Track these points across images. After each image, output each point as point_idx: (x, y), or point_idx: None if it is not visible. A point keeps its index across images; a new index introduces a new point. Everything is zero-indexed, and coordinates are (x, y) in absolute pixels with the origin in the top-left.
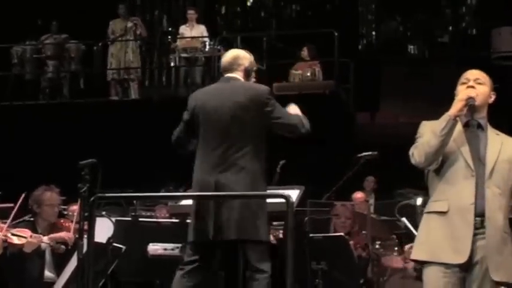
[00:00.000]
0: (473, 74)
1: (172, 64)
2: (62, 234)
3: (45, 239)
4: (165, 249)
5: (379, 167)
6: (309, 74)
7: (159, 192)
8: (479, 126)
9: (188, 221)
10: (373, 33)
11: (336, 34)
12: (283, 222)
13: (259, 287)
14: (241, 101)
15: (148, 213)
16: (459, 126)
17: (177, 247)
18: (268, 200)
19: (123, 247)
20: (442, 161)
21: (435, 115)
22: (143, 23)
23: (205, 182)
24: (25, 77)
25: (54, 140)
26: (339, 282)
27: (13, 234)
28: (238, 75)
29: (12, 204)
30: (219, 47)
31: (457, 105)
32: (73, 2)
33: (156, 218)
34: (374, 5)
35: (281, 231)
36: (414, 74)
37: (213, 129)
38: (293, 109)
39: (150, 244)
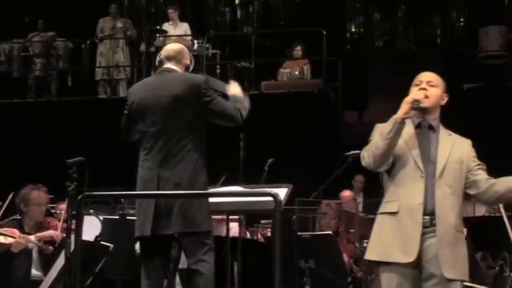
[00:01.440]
0: (426, 76)
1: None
2: (50, 232)
3: (32, 238)
4: None
5: None
6: (297, 73)
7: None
8: (431, 127)
9: None
10: (361, 31)
11: (324, 32)
12: (271, 221)
13: (203, 279)
14: (178, 93)
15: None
16: (411, 128)
17: None
18: (256, 199)
19: (111, 245)
20: (393, 162)
21: None
22: (133, 22)
23: (148, 177)
24: (12, 74)
25: (42, 138)
26: (326, 280)
27: (1, 234)
28: (178, 68)
29: None
30: (207, 45)
31: (403, 108)
32: (60, 0)
33: None
34: (361, 3)
35: (269, 230)
36: (402, 73)
37: (152, 123)
38: (233, 89)
39: (138, 242)
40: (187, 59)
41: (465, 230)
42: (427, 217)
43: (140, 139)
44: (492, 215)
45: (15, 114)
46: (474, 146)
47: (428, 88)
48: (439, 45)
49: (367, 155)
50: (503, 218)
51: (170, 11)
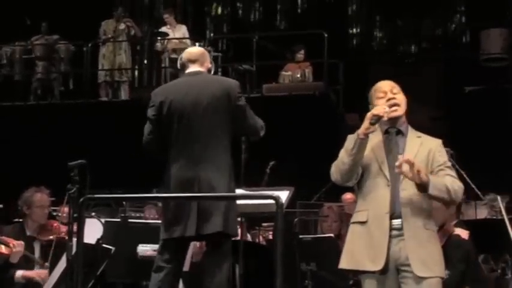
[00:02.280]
0: (387, 85)
1: (162, 65)
2: (33, 273)
3: (18, 274)
4: (155, 250)
5: None
6: (298, 75)
7: (149, 193)
8: (399, 132)
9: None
10: (362, 34)
11: (326, 35)
12: (272, 224)
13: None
14: (215, 94)
15: (138, 214)
16: (379, 136)
17: None
18: (258, 201)
19: (113, 248)
20: (362, 172)
21: (424, 116)
22: (136, 23)
23: (184, 178)
24: (14, 77)
25: (44, 141)
26: (328, 283)
27: (1, 243)
28: (203, 69)
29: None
30: (209, 48)
31: (364, 124)
32: (63, 3)
33: (145, 218)
34: (363, 6)
35: (271, 233)
36: (403, 76)
37: (188, 124)
38: None
39: (140, 245)
40: (209, 62)
41: (467, 232)
42: (397, 221)
43: (172, 139)
44: (494, 218)
45: (17, 117)
46: (476, 148)
47: (395, 96)
48: (441, 47)
49: (335, 171)
50: (505, 220)
51: (166, 15)
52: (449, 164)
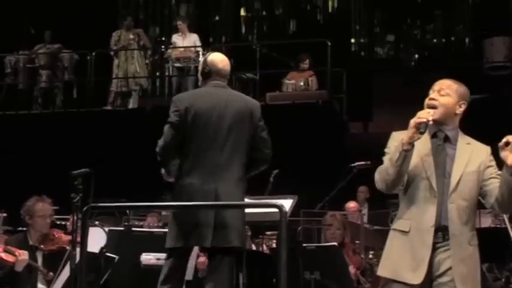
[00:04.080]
0: (439, 85)
1: (166, 74)
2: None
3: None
4: (158, 259)
5: (372, 177)
6: (302, 84)
7: (154, 201)
8: (447, 138)
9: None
10: (366, 42)
11: (329, 44)
12: (276, 232)
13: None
14: (242, 110)
15: (141, 223)
16: (427, 141)
17: None
18: (261, 210)
19: (116, 257)
20: (407, 180)
21: None
22: (146, 34)
23: (203, 188)
24: (18, 86)
25: (47, 150)
26: None
27: (6, 251)
28: (226, 83)
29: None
30: None
31: (408, 133)
32: (66, 12)
33: (148, 226)
34: (366, 15)
35: (274, 241)
36: (407, 84)
37: (212, 135)
38: None
39: (143, 254)
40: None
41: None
42: (441, 233)
43: (191, 147)
44: (498, 226)
45: (21, 126)
46: None
47: (437, 98)
48: (444, 56)
49: (380, 180)
50: (508, 229)
51: (179, 22)
52: (499, 172)
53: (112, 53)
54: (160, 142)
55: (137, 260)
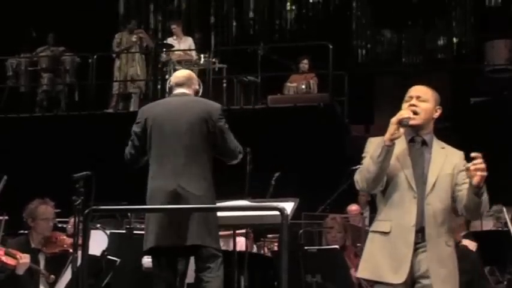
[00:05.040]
0: (416, 91)
1: (166, 76)
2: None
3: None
4: None
5: None
6: (303, 87)
7: None
8: (424, 142)
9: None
10: (367, 45)
11: (331, 47)
12: (277, 235)
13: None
14: (198, 114)
15: (143, 226)
16: (404, 145)
17: None
18: (263, 213)
19: (118, 260)
20: (386, 182)
21: None
22: (148, 35)
23: (165, 187)
24: (20, 89)
25: (49, 153)
26: None
27: (8, 254)
28: (190, 92)
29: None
30: (213, 60)
31: (389, 130)
32: (68, 15)
33: None
34: (368, 17)
35: (276, 244)
36: (409, 87)
37: (170, 141)
38: None
39: (145, 257)
40: (196, 84)
41: (475, 244)
42: (419, 233)
43: (153, 154)
44: (500, 229)
45: (22, 129)
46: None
47: (418, 104)
48: (446, 59)
49: (360, 179)
50: (510, 232)
51: (173, 26)
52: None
53: (114, 55)
54: (126, 150)
55: (139, 263)
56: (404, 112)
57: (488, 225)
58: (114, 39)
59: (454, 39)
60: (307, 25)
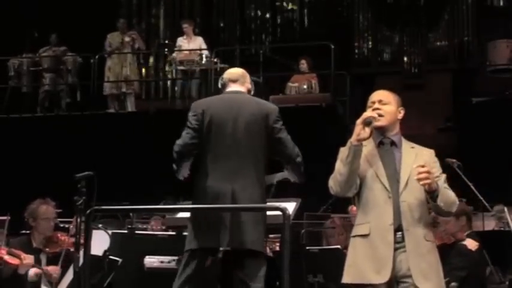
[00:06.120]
0: (377, 96)
1: (169, 76)
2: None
3: (31, 272)
4: (162, 262)
5: None
6: (305, 87)
7: (156, 204)
8: (393, 143)
9: (186, 232)
10: (369, 45)
11: (332, 47)
12: (279, 235)
13: None
14: (256, 114)
15: (145, 226)
16: (373, 147)
17: (174, 260)
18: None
19: (120, 260)
20: (360, 185)
21: (431, 127)
22: (140, 36)
23: (220, 190)
24: (22, 89)
25: (50, 153)
26: None
27: (10, 254)
28: (243, 89)
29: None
30: (215, 60)
31: (355, 130)
32: (70, 15)
33: (152, 230)
34: (369, 17)
35: (278, 244)
36: (410, 87)
37: (227, 139)
38: None
39: (147, 257)
40: (249, 83)
41: (476, 244)
42: (398, 233)
43: (207, 150)
44: (502, 229)
45: (24, 129)
46: (483, 159)
47: (381, 107)
48: (447, 59)
49: (334, 183)
50: None
51: (185, 25)
52: (443, 175)
53: (106, 55)
54: (179, 141)
55: (140, 263)
56: (368, 112)
57: (490, 225)
58: (107, 39)
59: (456, 39)
60: (309, 25)
